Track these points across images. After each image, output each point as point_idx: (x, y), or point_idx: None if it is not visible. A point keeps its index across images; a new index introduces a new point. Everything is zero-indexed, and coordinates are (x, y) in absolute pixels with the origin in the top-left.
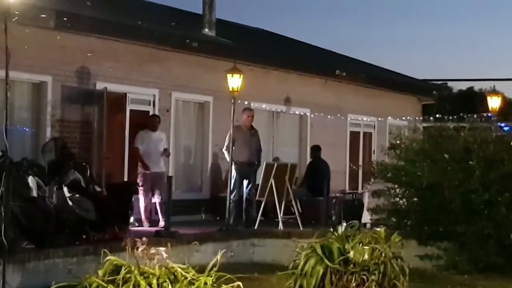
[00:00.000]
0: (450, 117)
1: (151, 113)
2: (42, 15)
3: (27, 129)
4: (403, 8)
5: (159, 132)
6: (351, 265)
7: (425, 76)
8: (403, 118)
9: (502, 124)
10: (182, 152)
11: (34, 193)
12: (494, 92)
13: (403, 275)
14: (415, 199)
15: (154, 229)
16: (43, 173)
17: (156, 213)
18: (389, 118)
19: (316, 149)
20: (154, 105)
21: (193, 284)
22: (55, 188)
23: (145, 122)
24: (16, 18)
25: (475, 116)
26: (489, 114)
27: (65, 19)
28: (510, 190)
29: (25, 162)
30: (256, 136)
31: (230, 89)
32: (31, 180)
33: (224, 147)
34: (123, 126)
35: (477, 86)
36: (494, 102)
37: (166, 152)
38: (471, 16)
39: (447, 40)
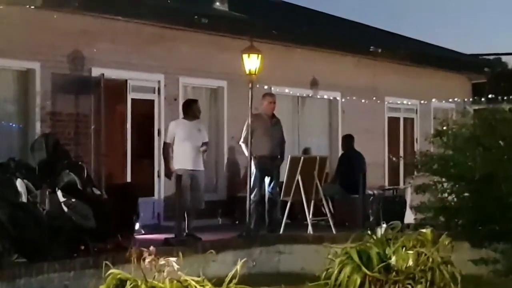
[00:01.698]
0: (506, 98)
1: (156, 102)
2: None
3: (13, 125)
4: None
5: (196, 121)
6: (393, 273)
7: (476, 51)
8: (450, 100)
9: None
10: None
11: (24, 198)
12: None
13: (454, 283)
14: (466, 194)
15: (163, 236)
16: (33, 175)
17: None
18: (433, 100)
19: (349, 139)
20: (159, 93)
21: None
22: (47, 192)
23: (151, 111)
24: None
25: None
26: None
27: None
28: None
29: (12, 163)
30: (278, 126)
31: (247, 72)
32: (20, 184)
33: (242, 140)
34: (124, 118)
35: None
36: None
37: (203, 147)
38: None
39: (501, 8)
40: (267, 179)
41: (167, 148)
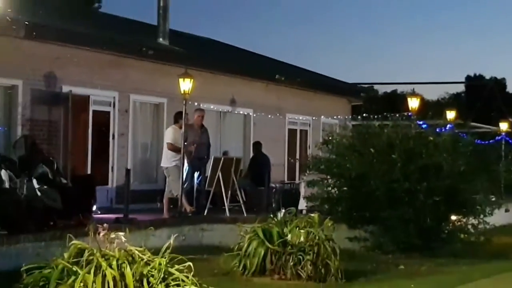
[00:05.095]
0: (376, 116)
1: (111, 113)
2: (12, 26)
3: (0, 128)
4: (335, 18)
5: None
6: (289, 247)
7: (354, 80)
8: (335, 117)
9: (420, 122)
10: (139, 148)
11: (6, 185)
12: (413, 94)
13: (334, 255)
14: (345, 188)
15: (114, 216)
16: (15, 167)
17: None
18: (322, 117)
19: (258, 145)
20: (114, 106)
21: (149, 264)
22: (25, 180)
23: (107, 120)
24: None
25: (397, 115)
26: (409, 113)
27: (33, 29)
28: (427, 180)
29: None
30: (206, 134)
31: (182, 92)
32: (3, 173)
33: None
34: (86, 125)
35: (399, 89)
36: (413, 103)
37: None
38: (395, 26)
39: (375, 47)
40: (196, 174)
41: None
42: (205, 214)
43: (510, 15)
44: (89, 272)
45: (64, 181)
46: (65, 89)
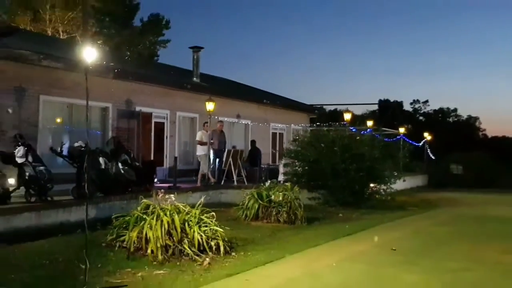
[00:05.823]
0: (324, 124)
1: (165, 124)
2: (105, 71)
3: (98, 132)
4: (300, 60)
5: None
6: (273, 203)
7: (312, 102)
8: (300, 125)
9: (352, 128)
10: (182, 144)
11: (103, 166)
12: (347, 110)
13: (300, 208)
14: (306, 168)
15: (167, 185)
16: (108, 156)
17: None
18: (292, 125)
19: (253, 142)
20: (167, 119)
21: (189, 214)
22: (114, 164)
23: (163, 128)
24: (91, 72)
25: (337, 124)
26: (344, 123)
27: (119, 72)
28: (356, 163)
29: (98, 149)
30: (224, 136)
31: (208, 110)
32: (101, 160)
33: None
34: (150, 131)
35: (339, 107)
36: (347, 116)
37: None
38: (337, 67)
39: (324, 81)
40: (217, 160)
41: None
42: (222, 183)
43: (409, 57)
44: (152, 219)
45: (137, 164)
46: (137, 109)
